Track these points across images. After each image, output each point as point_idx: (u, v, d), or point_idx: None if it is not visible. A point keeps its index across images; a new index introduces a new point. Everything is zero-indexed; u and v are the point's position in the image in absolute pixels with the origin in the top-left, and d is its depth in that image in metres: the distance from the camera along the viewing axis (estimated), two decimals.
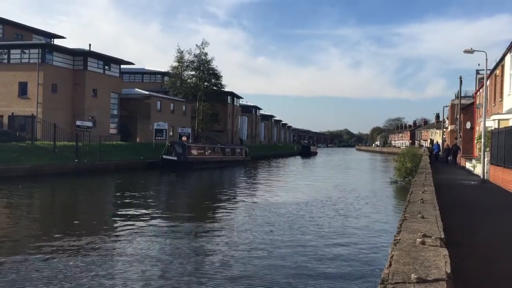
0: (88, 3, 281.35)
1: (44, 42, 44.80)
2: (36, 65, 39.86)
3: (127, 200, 21.23)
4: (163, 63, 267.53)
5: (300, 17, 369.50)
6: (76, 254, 11.15)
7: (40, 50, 40.69)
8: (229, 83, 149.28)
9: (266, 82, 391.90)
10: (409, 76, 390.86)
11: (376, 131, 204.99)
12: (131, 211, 18.06)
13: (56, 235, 13.21)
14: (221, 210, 19.13)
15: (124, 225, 15.06)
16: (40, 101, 39.51)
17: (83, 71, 43.58)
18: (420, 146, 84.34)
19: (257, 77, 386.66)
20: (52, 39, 51.17)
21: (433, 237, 5.17)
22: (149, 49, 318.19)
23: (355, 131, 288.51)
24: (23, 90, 40.43)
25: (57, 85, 41.40)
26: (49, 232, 13.90)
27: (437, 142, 62.03)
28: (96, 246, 12.02)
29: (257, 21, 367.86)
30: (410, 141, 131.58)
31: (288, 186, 29.83)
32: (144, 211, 18.26)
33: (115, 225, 15.49)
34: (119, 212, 18.17)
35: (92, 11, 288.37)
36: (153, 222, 15.87)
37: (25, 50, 41.20)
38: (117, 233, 13.92)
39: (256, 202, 21.46)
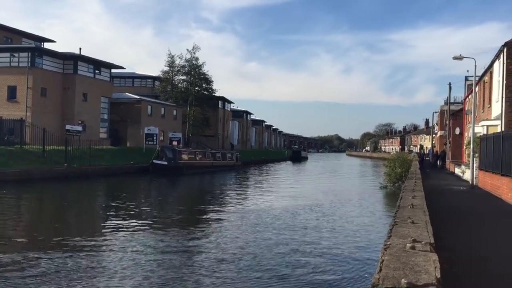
0: (80, 8, 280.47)
1: (34, 46, 44.52)
2: (25, 68, 39.56)
3: (114, 207, 20.97)
4: (156, 67, 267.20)
5: (293, 23, 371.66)
6: (57, 268, 10.68)
7: (29, 53, 40.42)
8: (220, 88, 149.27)
9: (257, 87, 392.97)
10: (399, 82, 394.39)
11: (367, 136, 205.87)
12: (118, 219, 17.86)
13: (34, 246, 12.62)
14: (210, 218, 18.99)
15: (110, 234, 14.79)
16: (29, 105, 39.19)
17: (73, 75, 43.32)
18: (410, 151, 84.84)
19: (249, 82, 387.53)
20: (42, 43, 50.83)
21: (423, 242, 5.19)
22: (141, 54, 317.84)
23: (345, 136, 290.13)
24: (12, 93, 40.07)
25: (47, 89, 41.10)
26: (26, 243, 13.34)
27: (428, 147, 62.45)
28: (79, 257, 11.85)
29: (250, 26, 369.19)
30: (400, 147, 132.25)
31: (279, 192, 29.82)
32: (131, 219, 18.04)
33: (100, 234, 15.00)
34: (105, 221, 17.80)
35: (84, 16, 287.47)
36: (140, 231, 15.46)
37: (14, 54, 40.88)
38: (102, 243, 13.43)
39: (247, 209, 21.40)
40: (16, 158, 30.28)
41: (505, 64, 20.12)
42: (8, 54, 40.97)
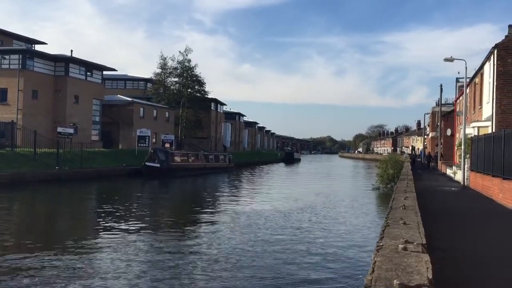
0: (73, 10, 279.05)
1: (25, 48, 44.18)
2: (16, 71, 39.27)
3: (107, 210, 20.81)
4: (148, 69, 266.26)
5: (286, 25, 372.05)
6: (49, 270, 10.50)
7: (20, 56, 40.12)
8: (213, 90, 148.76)
9: (250, 89, 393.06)
10: (392, 84, 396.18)
11: (359, 138, 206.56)
12: (111, 222, 17.74)
13: (27, 249, 12.42)
14: (203, 220, 18.93)
15: (103, 237, 14.72)
16: (21, 108, 38.91)
17: (64, 77, 43.07)
18: (402, 152, 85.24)
19: (242, 84, 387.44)
20: (33, 45, 50.48)
21: (415, 243, 5.22)
22: (134, 56, 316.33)
23: (338, 138, 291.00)
24: (2, 96, 39.77)
25: (38, 92, 40.83)
26: (18, 245, 13.16)
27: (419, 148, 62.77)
28: (72, 260, 11.77)
29: (243, 28, 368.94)
30: (392, 148, 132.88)
31: (271, 194, 29.82)
32: (123, 221, 17.88)
33: (93, 237, 14.94)
34: (97, 223, 17.65)
35: (77, 18, 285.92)
36: (133, 233, 15.37)
37: (5, 56, 40.57)
38: (95, 246, 13.39)
39: (240, 211, 21.36)
40: (7, 161, 30.04)
41: (495, 66, 20.29)
42: None
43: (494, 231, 9.62)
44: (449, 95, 54.96)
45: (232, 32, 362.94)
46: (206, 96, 65.79)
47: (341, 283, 9.90)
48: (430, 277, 3.83)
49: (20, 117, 38.33)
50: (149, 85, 68.13)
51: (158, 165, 40.19)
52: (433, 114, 56.24)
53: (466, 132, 23.44)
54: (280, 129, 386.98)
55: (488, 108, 22.06)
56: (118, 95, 56.41)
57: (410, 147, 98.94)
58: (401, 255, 4.66)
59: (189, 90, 63.37)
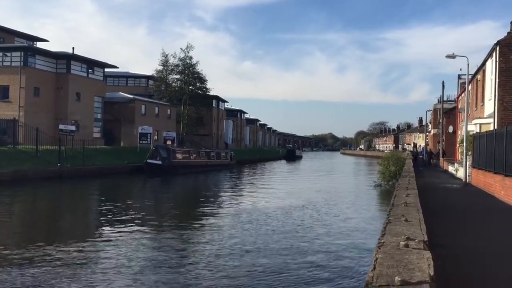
0: (74, 8, 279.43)
1: (26, 45, 44.20)
2: (18, 68, 39.29)
3: (109, 207, 20.77)
4: (150, 66, 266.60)
5: (287, 22, 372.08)
6: (48, 270, 10.61)
7: (22, 53, 40.13)
8: (215, 87, 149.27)
9: (252, 86, 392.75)
10: (393, 80, 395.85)
11: (361, 135, 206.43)
12: (113, 219, 17.76)
13: (26, 246, 12.41)
14: (206, 217, 18.95)
15: (105, 234, 14.75)
16: (22, 105, 38.94)
17: (66, 74, 43.09)
18: (404, 149, 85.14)
19: (244, 81, 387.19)
20: (35, 42, 50.49)
21: (416, 240, 5.22)
22: (135, 53, 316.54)
23: (339, 135, 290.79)
24: (4, 93, 39.79)
25: (40, 89, 40.86)
26: (18, 244, 13.18)
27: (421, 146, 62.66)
28: (73, 257, 11.80)
29: (244, 25, 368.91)
30: (394, 145, 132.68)
31: (273, 191, 29.82)
32: (126, 218, 17.95)
33: (95, 234, 14.99)
34: (100, 220, 17.73)
35: (78, 15, 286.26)
36: (135, 230, 15.33)
37: (6, 53, 40.58)
38: (97, 243, 13.43)
39: (242, 208, 21.38)
40: (9, 158, 30.08)
41: (497, 63, 20.25)
42: (0, 54, 40.69)
43: (495, 228, 9.62)
44: (451, 92, 54.93)
45: (233, 29, 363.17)
46: (207, 93, 65.74)
47: (342, 280, 9.91)
48: (432, 273, 3.84)
49: (22, 114, 38.36)
50: (150, 82, 68.13)
51: (159, 162, 40.19)
52: (435, 111, 56.15)
53: (468, 129, 23.40)
54: (281, 126, 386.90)
55: (490, 105, 22.01)
56: (120, 92, 56.45)
57: (412, 144, 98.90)
58: (403, 252, 4.66)
59: (190, 87, 63.34)
